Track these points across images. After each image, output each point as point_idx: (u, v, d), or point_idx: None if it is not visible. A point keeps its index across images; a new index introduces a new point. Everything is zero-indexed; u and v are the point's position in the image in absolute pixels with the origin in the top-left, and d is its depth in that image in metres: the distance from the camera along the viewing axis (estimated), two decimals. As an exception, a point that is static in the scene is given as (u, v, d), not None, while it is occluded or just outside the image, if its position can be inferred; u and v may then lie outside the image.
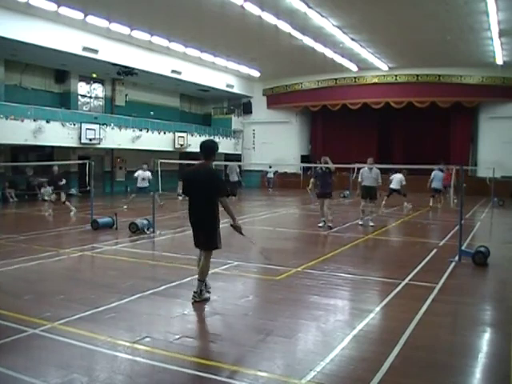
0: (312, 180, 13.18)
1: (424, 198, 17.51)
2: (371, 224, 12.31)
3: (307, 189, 14.22)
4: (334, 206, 12.02)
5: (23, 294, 5.86)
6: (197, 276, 5.66)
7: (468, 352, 4.32)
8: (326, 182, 11.53)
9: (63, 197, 14.40)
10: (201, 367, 3.82)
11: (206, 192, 5.50)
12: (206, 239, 5.61)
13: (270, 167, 26.63)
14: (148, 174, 15.76)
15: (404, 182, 16.29)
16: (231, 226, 5.55)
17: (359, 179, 12.37)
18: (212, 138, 27.76)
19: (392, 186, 16.33)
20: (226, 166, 28.28)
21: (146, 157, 21.25)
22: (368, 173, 12.17)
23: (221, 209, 5.53)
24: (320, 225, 11.73)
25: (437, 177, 16.67)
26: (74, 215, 14.05)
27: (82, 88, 23.53)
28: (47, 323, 4.75)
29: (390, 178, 16.45)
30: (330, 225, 11.54)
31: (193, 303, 5.52)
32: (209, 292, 5.74)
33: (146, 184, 15.83)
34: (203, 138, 26.90)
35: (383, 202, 17.14)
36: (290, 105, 29.01)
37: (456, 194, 13.66)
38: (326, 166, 11.47)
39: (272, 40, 19.16)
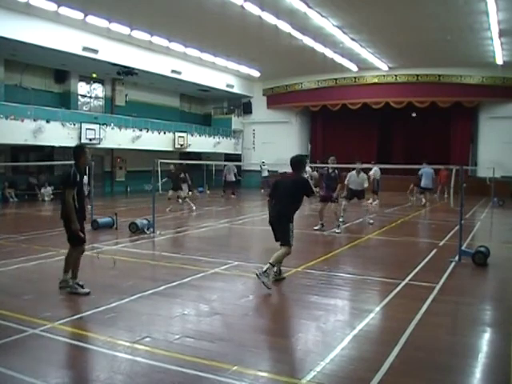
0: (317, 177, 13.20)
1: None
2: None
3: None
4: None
5: (23, 293, 5.85)
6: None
7: (468, 352, 4.32)
8: (330, 185, 11.45)
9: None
10: (201, 367, 3.81)
11: (290, 192, 6.44)
12: (282, 234, 6.39)
13: (264, 165, 24.45)
14: None
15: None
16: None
17: (346, 182, 12.38)
18: (217, 138, 27.92)
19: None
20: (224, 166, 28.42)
21: (147, 157, 21.32)
22: (356, 177, 12.25)
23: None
24: (316, 227, 11.46)
25: (426, 175, 16.31)
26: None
27: (82, 88, 23.50)
28: (47, 323, 4.74)
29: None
30: (338, 230, 11.23)
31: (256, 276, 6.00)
32: (270, 284, 6.03)
33: None
34: (203, 138, 27.11)
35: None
36: (290, 105, 28.97)
37: (455, 193, 13.69)
38: (334, 166, 11.47)
39: (272, 40, 19.15)
